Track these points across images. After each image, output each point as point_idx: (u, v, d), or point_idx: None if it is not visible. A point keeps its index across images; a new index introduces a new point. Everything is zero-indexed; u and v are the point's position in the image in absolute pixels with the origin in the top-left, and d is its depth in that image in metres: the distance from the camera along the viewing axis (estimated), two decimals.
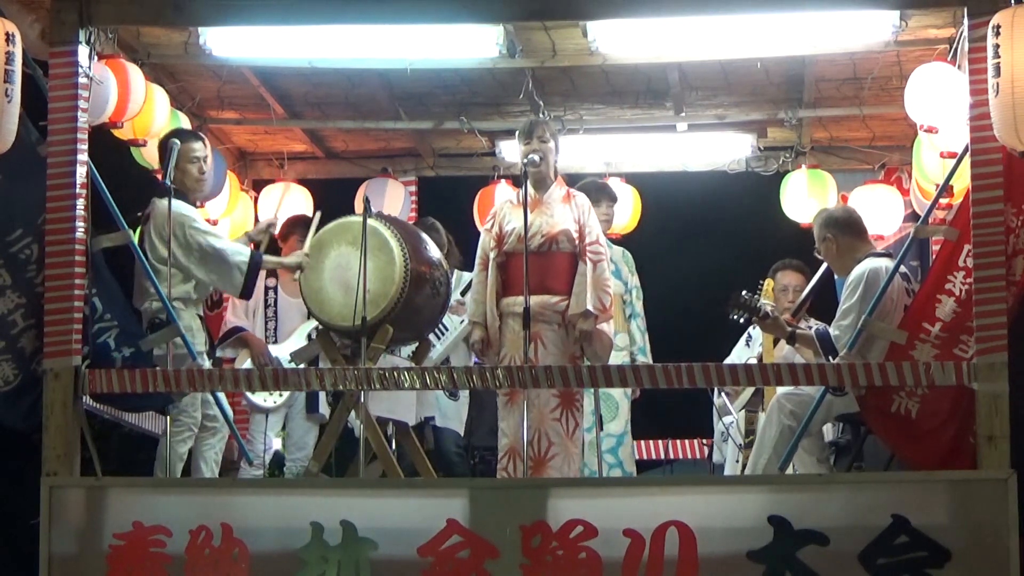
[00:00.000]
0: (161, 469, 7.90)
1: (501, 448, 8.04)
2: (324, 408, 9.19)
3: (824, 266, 8.09)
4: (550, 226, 8.08)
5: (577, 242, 8.09)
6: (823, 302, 9.05)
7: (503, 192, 10.14)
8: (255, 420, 9.10)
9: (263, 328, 9.13)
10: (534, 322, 7.82)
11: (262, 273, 8.58)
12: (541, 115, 9.44)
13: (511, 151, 10.21)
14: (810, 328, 8.39)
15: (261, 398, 8.94)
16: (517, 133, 8.25)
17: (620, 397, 9.21)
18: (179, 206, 7.81)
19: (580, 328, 7.97)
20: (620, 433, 9.23)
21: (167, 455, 7.78)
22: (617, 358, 8.83)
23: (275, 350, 8.94)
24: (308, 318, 9.09)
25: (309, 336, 8.98)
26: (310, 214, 10.23)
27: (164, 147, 8.02)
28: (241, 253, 7.88)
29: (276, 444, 9.44)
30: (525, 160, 8.05)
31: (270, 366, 8.68)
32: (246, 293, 8.02)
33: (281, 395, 8.96)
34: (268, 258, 8.15)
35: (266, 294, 9.09)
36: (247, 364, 8.80)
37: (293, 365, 8.52)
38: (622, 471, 9.11)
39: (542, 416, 7.91)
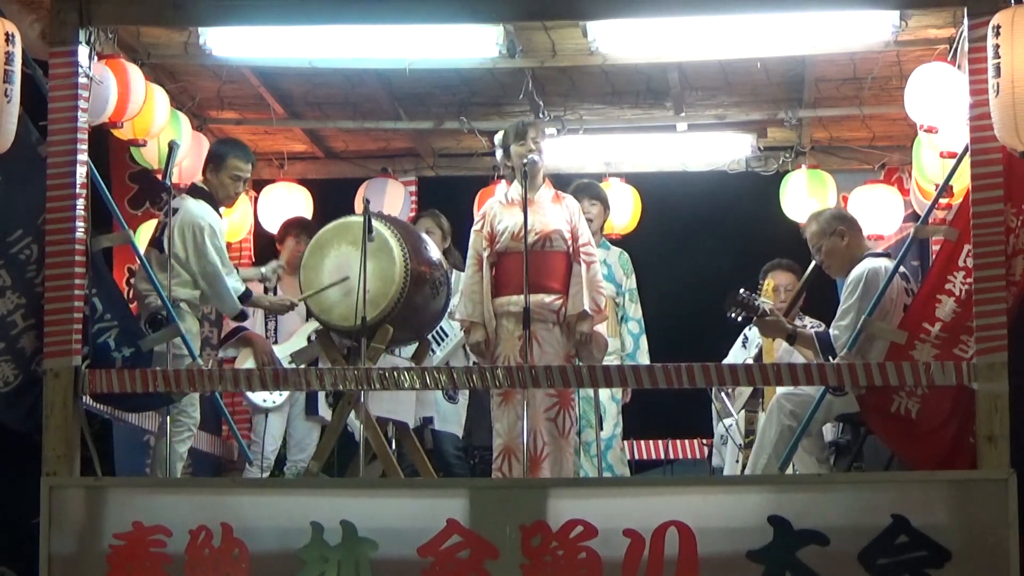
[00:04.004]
0: (159, 469, 7.91)
1: (496, 448, 8.05)
2: (324, 410, 9.19)
3: (814, 262, 8.08)
4: (543, 224, 8.10)
5: (570, 242, 8.11)
6: (823, 302, 9.04)
7: (503, 192, 10.12)
8: (257, 421, 9.11)
9: (263, 328, 9.16)
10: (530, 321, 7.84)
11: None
12: (540, 116, 9.47)
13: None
14: (806, 327, 8.40)
15: (260, 398, 8.94)
16: (504, 133, 8.26)
17: (607, 400, 9.16)
18: (207, 212, 7.97)
19: (580, 331, 8.00)
20: (608, 437, 9.18)
21: (167, 455, 7.78)
22: (606, 363, 8.79)
23: (275, 351, 8.94)
24: (308, 319, 9.10)
25: (309, 338, 8.98)
26: (309, 215, 10.26)
27: (211, 154, 8.27)
28: (236, 289, 8.03)
29: (278, 443, 9.42)
30: (524, 160, 8.06)
31: (272, 366, 8.69)
32: (241, 319, 8.32)
33: (281, 394, 8.97)
34: (256, 297, 8.40)
35: (265, 295, 9.08)
36: (248, 363, 8.80)
37: (293, 366, 8.54)
38: (612, 475, 9.07)
39: (537, 416, 7.91)
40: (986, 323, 6.77)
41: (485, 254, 8.14)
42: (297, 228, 9.37)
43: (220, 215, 8.23)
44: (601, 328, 8.13)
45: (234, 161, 8.20)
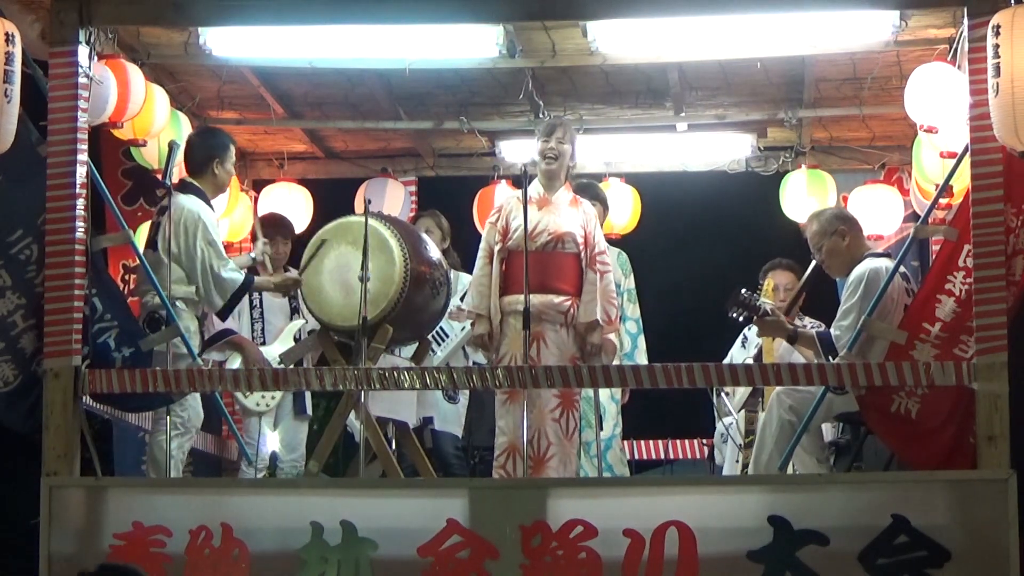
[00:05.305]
0: (153, 468, 7.89)
1: (499, 447, 8.03)
2: (312, 408, 9.19)
3: (814, 262, 8.08)
4: (557, 225, 8.09)
5: (582, 246, 8.10)
6: (822, 302, 9.04)
7: (503, 192, 10.14)
8: (250, 423, 9.05)
9: (249, 329, 9.08)
10: (537, 321, 7.84)
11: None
12: (540, 116, 9.49)
13: (511, 151, 10.23)
14: (806, 327, 8.40)
15: (253, 402, 8.88)
16: (537, 129, 8.32)
17: (607, 401, 9.15)
18: (201, 208, 7.89)
19: (591, 342, 8.00)
20: (608, 437, 9.16)
21: (167, 455, 7.76)
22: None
23: (265, 351, 8.89)
24: (291, 318, 9.08)
25: (295, 337, 8.97)
26: (309, 215, 10.26)
27: (190, 145, 8.14)
28: (234, 279, 7.89)
29: (273, 446, 9.40)
30: (524, 162, 8.07)
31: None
32: (223, 316, 8.12)
33: (274, 398, 8.92)
34: (259, 280, 8.26)
35: (251, 294, 9.03)
36: (237, 366, 8.72)
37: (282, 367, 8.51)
38: (612, 475, 9.06)
39: (542, 416, 7.91)
40: (986, 323, 6.77)
41: (496, 247, 8.13)
42: (284, 229, 9.30)
43: (212, 208, 8.20)
44: (612, 336, 8.14)
45: (232, 149, 8.20)
